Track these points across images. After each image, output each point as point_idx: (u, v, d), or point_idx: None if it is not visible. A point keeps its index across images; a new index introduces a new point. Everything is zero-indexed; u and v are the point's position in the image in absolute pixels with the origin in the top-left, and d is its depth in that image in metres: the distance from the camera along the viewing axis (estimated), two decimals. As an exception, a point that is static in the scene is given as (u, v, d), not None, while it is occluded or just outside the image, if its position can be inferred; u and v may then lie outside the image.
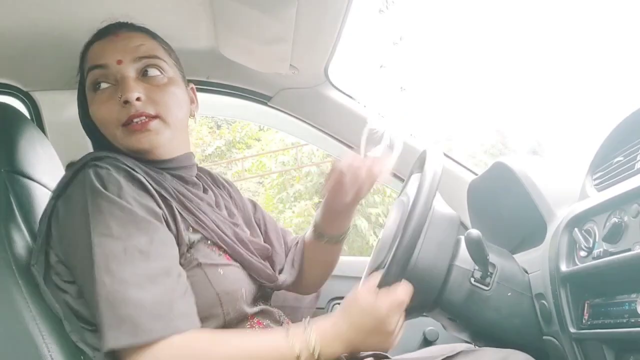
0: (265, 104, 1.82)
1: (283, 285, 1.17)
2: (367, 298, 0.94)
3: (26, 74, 1.58)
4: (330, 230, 1.26)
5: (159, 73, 1.06)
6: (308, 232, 1.31)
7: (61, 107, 1.66)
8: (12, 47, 1.39)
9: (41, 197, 1.06)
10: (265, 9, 1.26)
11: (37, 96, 1.64)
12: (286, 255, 1.30)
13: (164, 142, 1.04)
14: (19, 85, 1.62)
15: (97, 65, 1.04)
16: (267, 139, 9.94)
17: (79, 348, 0.91)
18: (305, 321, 0.91)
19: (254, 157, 10.04)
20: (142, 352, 0.81)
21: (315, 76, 1.70)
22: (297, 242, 1.34)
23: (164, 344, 0.82)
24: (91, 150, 1.65)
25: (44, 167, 1.13)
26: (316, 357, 0.88)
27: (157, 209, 0.94)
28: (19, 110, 1.17)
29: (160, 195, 0.97)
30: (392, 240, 1.07)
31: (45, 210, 0.96)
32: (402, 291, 0.96)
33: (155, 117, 1.02)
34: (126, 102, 0.99)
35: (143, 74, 1.04)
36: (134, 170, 0.95)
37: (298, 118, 1.83)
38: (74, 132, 1.65)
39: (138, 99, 1.00)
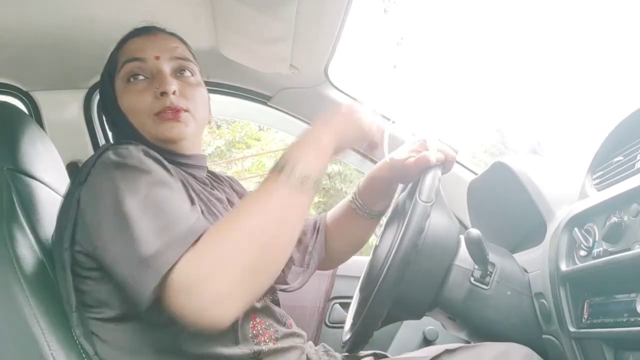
0: (265, 103, 1.83)
1: (291, 289, 1.18)
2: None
3: (26, 74, 1.58)
4: (374, 205, 1.30)
5: (190, 75, 1.14)
6: (339, 208, 1.35)
7: (61, 107, 1.66)
8: (12, 47, 1.39)
9: (43, 196, 1.07)
10: (265, 9, 1.27)
11: (37, 96, 1.65)
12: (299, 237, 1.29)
13: (190, 135, 1.10)
14: (19, 85, 1.62)
15: (135, 58, 1.10)
16: (267, 138, 9.95)
17: (80, 344, 0.91)
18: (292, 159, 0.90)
19: (253, 157, 10.04)
20: (185, 258, 0.80)
21: (315, 76, 1.70)
22: (317, 228, 1.35)
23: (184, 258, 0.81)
24: (91, 149, 1.66)
25: (46, 165, 1.13)
26: (297, 166, 0.88)
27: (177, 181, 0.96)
28: (20, 109, 1.18)
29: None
30: (378, 274, 1.07)
31: (72, 196, 0.95)
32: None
33: (186, 110, 1.09)
34: (163, 93, 1.06)
35: (177, 73, 1.12)
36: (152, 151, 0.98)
37: (298, 118, 1.84)
38: (73, 131, 1.66)
39: (174, 92, 1.07)
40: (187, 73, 1.13)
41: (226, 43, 1.48)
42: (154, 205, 0.86)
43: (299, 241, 1.30)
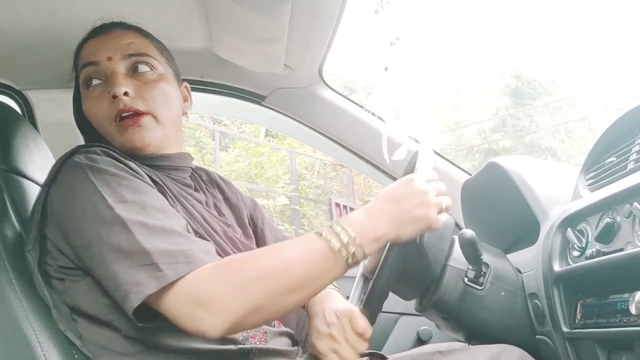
0: (259, 103, 1.82)
1: None
2: (392, 185, 0.95)
3: (19, 72, 1.57)
4: None
5: (148, 69, 1.07)
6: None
7: (54, 106, 1.65)
8: (5, 45, 1.38)
9: (35, 196, 1.06)
10: (259, 9, 1.26)
11: (31, 95, 1.64)
12: None
13: (156, 139, 1.05)
14: (12, 84, 1.61)
15: (89, 62, 1.06)
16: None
17: (72, 345, 0.91)
18: (331, 222, 0.90)
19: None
20: (186, 281, 0.83)
21: (309, 76, 1.70)
22: None
23: (203, 269, 0.84)
24: (85, 149, 1.65)
25: (38, 165, 1.13)
26: (357, 249, 0.87)
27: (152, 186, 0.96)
28: (13, 109, 1.17)
29: (152, 180, 0.99)
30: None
31: (38, 198, 0.96)
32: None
33: (146, 113, 1.04)
34: (114, 96, 1.01)
35: (133, 70, 1.06)
36: (124, 157, 0.98)
37: (292, 118, 1.83)
38: (67, 131, 1.64)
39: (126, 93, 1.02)
40: (145, 68, 1.07)
41: (220, 43, 1.47)
42: (145, 212, 0.88)
43: None
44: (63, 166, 0.94)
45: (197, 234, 1.00)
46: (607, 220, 0.96)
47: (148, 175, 0.99)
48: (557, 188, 1.28)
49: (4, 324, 0.88)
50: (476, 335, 1.20)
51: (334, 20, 1.36)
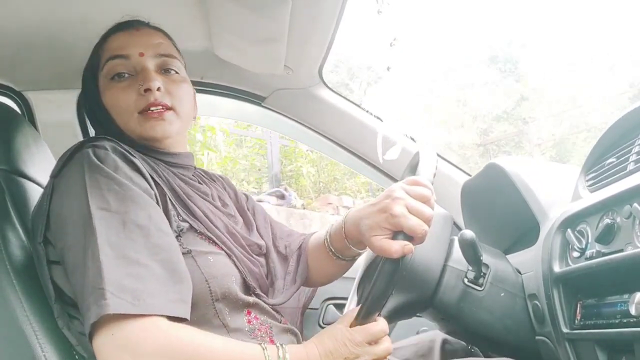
0: (259, 104, 1.82)
1: (277, 303, 1.13)
2: (342, 329, 0.92)
3: (19, 73, 1.57)
4: (346, 252, 1.18)
5: (175, 71, 1.12)
6: (315, 242, 1.26)
7: (54, 107, 1.65)
8: (5, 47, 1.38)
9: (36, 196, 1.06)
10: (259, 10, 1.27)
11: (30, 96, 1.64)
12: (284, 253, 1.26)
13: (174, 133, 1.09)
14: (12, 85, 1.61)
15: (119, 55, 1.09)
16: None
17: (73, 346, 0.91)
18: (279, 344, 0.90)
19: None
20: (131, 323, 0.80)
21: (309, 77, 1.70)
22: (300, 248, 1.27)
23: (154, 321, 0.82)
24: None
25: (39, 166, 1.13)
26: None
27: (150, 190, 0.96)
28: (13, 110, 1.17)
29: (153, 180, 1.00)
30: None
31: (45, 189, 0.97)
32: (379, 327, 0.92)
33: (170, 108, 1.08)
34: (147, 90, 1.05)
35: (162, 70, 1.11)
36: (130, 154, 0.98)
37: (292, 119, 1.84)
38: (67, 131, 1.65)
39: (159, 88, 1.06)
40: (172, 69, 1.12)
41: (220, 44, 1.47)
42: (122, 229, 0.86)
43: (284, 258, 1.26)
44: (68, 161, 0.95)
45: (198, 231, 1.01)
46: (607, 221, 0.96)
47: (151, 173, 1.00)
48: (556, 189, 1.28)
49: (5, 324, 0.88)
50: (476, 336, 1.20)
51: (334, 21, 1.37)
